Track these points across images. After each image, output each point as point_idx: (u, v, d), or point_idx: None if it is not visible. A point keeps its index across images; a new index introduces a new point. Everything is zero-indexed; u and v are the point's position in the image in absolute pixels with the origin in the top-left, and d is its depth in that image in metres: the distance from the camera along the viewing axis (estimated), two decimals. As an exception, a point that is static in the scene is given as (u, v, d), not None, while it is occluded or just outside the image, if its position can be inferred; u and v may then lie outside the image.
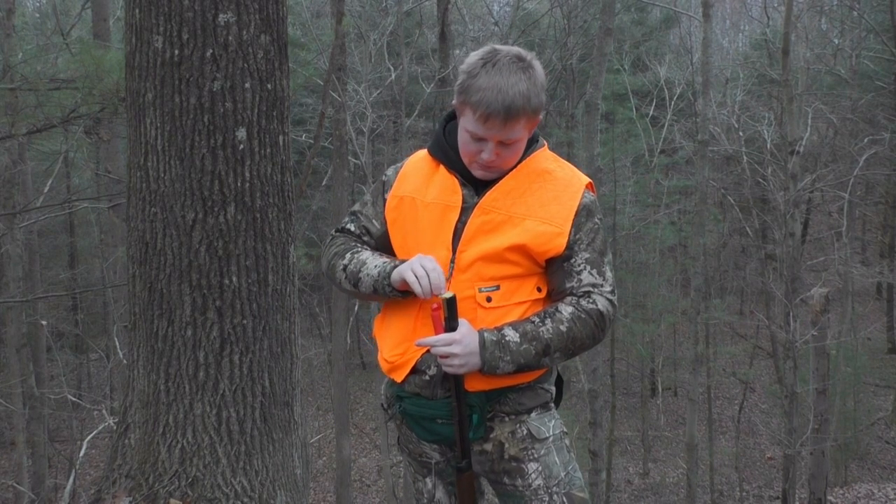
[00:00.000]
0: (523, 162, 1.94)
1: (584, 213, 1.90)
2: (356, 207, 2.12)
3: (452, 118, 1.99)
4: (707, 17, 13.40)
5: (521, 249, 1.86)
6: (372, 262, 1.94)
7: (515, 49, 1.86)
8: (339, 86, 10.49)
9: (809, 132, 16.12)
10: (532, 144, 1.97)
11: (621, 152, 19.82)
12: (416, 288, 1.81)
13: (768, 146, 17.19)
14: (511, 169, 1.92)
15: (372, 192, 2.10)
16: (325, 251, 2.11)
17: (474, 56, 1.86)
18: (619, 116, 20.37)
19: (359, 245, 2.04)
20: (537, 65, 1.86)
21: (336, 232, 2.13)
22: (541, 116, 1.88)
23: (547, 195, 1.90)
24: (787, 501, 12.34)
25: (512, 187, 1.91)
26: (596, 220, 1.93)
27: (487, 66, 1.81)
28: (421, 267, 1.82)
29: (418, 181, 1.99)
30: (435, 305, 1.85)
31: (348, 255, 2.01)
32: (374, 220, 2.06)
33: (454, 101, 1.90)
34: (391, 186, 2.03)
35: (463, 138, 1.89)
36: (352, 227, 2.09)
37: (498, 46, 1.87)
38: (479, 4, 22.45)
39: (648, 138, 19.74)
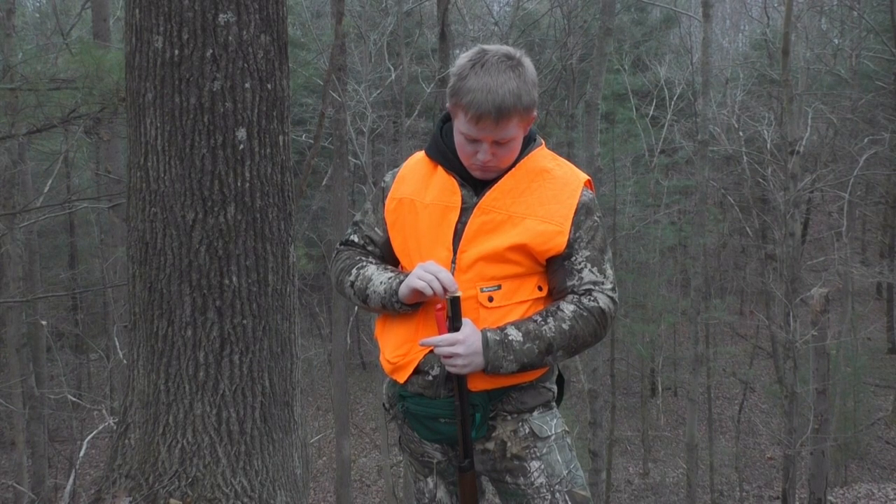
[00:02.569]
0: (521, 161, 1.93)
1: (583, 211, 1.90)
2: (358, 217, 2.13)
3: (449, 119, 1.99)
4: (707, 17, 13.40)
5: (521, 249, 1.86)
6: (377, 277, 1.94)
7: (504, 48, 1.85)
8: (339, 86, 10.50)
9: (809, 132, 16.13)
10: (529, 143, 1.97)
11: (621, 152, 19.83)
12: (429, 291, 1.81)
13: (768, 146, 17.19)
14: (509, 168, 1.92)
15: (372, 200, 2.10)
16: (332, 267, 2.12)
17: (463, 58, 1.86)
18: (619, 116, 20.38)
19: (363, 258, 2.04)
20: (527, 62, 1.85)
21: (341, 245, 2.13)
22: (535, 113, 1.88)
23: (546, 194, 1.90)
24: (787, 501, 12.34)
25: (511, 186, 1.91)
26: (595, 217, 1.93)
27: (476, 67, 1.80)
28: (426, 273, 1.82)
29: (417, 183, 1.99)
30: (439, 306, 1.85)
31: (354, 271, 2.01)
32: (376, 228, 2.06)
33: (447, 104, 1.90)
34: (390, 190, 2.03)
35: (458, 140, 1.89)
36: (355, 239, 2.10)
37: (486, 46, 1.87)
38: (479, 4, 22.45)
39: (648, 138, 19.75)
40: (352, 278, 2.00)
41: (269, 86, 2.78)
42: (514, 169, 1.92)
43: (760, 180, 18.33)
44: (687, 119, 20.71)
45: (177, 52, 2.66)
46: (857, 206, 21.04)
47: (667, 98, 19.48)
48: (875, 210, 22.68)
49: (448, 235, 1.90)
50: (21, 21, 16.54)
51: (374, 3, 18.33)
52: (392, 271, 1.96)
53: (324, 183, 18.13)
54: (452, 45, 15.74)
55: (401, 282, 1.88)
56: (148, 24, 2.68)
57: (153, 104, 2.71)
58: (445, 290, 1.81)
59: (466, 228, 1.89)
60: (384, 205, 2.03)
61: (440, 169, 1.97)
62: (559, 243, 1.87)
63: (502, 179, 1.91)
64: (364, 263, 2.02)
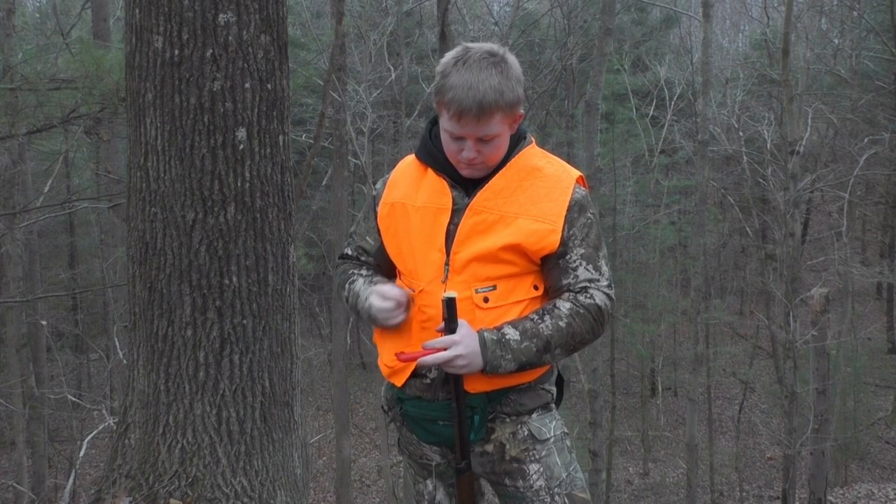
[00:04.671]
0: (512, 160, 1.92)
1: (576, 209, 1.89)
2: (352, 228, 2.15)
3: (438, 121, 1.98)
4: (707, 17, 13.39)
5: (515, 248, 1.86)
6: (363, 294, 1.98)
7: (488, 45, 1.85)
8: (339, 86, 10.49)
9: (809, 132, 16.11)
10: (519, 142, 1.96)
11: (621, 152, 19.82)
12: (394, 323, 1.90)
13: (768, 146, 17.19)
14: (500, 167, 1.91)
15: (364, 209, 2.12)
16: (334, 284, 2.18)
17: (448, 56, 1.86)
18: (619, 116, 20.37)
19: (355, 271, 2.06)
20: (511, 59, 1.85)
21: (339, 259, 2.16)
22: (521, 111, 1.87)
23: (538, 192, 1.89)
24: (787, 501, 12.33)
25: (502, 186, 1.90)
26: (589, 214, 1.91)
27: (458, 65, 1.81)
28: (376, 316, 1.91)
29: (408, 186, 1.99)
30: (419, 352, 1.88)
31: (346, 287, 2.04)
32: (367, 237, 2.07)
33: (433, 102, 1.90)
34: (381, 197, 2.03)
35: (444, 139, 1.89)
36: (349, 251, 2.12)
37: (470, 44, 1.87)
38: (479, 4, 22.43)
39: (648, 138, 19.75)
40: (346, 294, 2.04)
41: (269, 86, 2.78)
42: (504, 168, 1.91)
43: (760, 180, 18.33)
44: (687, 119, 20.70)
45: (177, 52, 2.66)
46: (857, 206, 21.03)
47: (667, 98, 19.48)
48: (875, 210, 22.67)
49: (440, 238, 1.90)
50: (21, 21, 16.52)
51: (374, 3, 18.32)
52: (374, 287, 1.97)
53: (324, 183, 18.14)
54: (452, 45, 15.68)
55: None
56: (148, 24, 2.67)
57: (153, 104, 2.71)
58: (407, 300, 1.89)
59: (458, 230, 1.88)
60: (376, 212, 2.04)
61: (430, 171, 1.96)
62: (552, 242, 1.86)
63: (493, 179, 1.91)
64: (354, 278, 2.04)
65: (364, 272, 2.05)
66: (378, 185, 2.08)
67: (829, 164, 19.96)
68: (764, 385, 20.30)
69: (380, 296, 1.90)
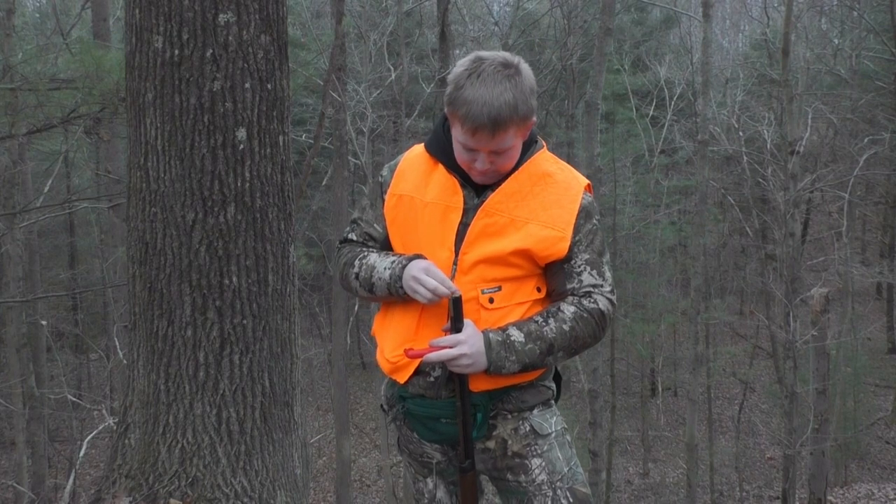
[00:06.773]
0: (525, 164, 1.93)
1: (583, 216, 1.91)
2: (356, 214, 2.11)
3: None
4: (707, 17, 13.40)
5: (524, 253, 1.87)
6: (380, 264, 1.94)
7: (501, 55, 1.84)
8: (339, 86, 10.49)
9: (809, 132, 16.11)
10: (531, 146, 1.96)
11: (621, 152, 19.83)
12: (427, 302, 1.83)
13: (768, 146, 17.19)
14: (512, 171, 1.92)
15: (370, 195, 2.10)
16: (334, 264, 2.12)
17: (460, 66, 1.84)
18: (619, 116, 20.38)
19: (364, 250, 2.03)
20: (525, 69, 1.83)
21: (340, 243, 2.13)
22: (533, 119, 1.87)
23: (549, 198, 1.90)
24: (787, 501, 12.33)
25: (514, 190, 1.90)
26: (594, 220, 1.93)
27: (472, 77, 1.79)
28: (420, 286, 1.82)
29: (416, 179, 1.98)
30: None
31: (357, 263, 2.00)
32: (375, 224, 2.05)
33: (445, 110, 1.89)
34: (388, 185, 2.02)
35: (456, 148, 1.89)
36: (354, 237, 2.09)
37: (483, 54, 1.85)
38: (479, 4, 22.44)
39: (648, 138, 19.75)
40: (356, 270, 2.00)
41: (269, 86, 2.78)
42: (516, 172, 1.92)
43: (760, 180, 18.33)
44: (687, 119, 20.71)
45: (177, 52, 2.65)
46: (857, 206, 21.04)
47: (667, 98, 19.48)
48: (875, 210, 22.68)
49: (450, 236, 1.90)
50: (21, 21, 16.52)
51: (374, 3, 18.33)
52: (394, 255, 1.95)
53: (324, 183, 18.15)
54: (452, 45, 15.71)
55: (403, 266, 1.88)
56: (148, 24, 2.67)
57: (153, 104, 2.71)
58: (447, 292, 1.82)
59: (469, 230, 1.89)
60: (383, 200, 2.02)
61: (441, 166, 1.96)
62: (561, 248, 1.88)
63: (506, 182, 1.91)
64: (365, 253, 2.01)
65: (374, 251, 2.03)
66: (384, 173, 2.06)
67: (829, 164, 19.97)
68: (764, 385, 20.31)
69: (425, 270, 1.83)
